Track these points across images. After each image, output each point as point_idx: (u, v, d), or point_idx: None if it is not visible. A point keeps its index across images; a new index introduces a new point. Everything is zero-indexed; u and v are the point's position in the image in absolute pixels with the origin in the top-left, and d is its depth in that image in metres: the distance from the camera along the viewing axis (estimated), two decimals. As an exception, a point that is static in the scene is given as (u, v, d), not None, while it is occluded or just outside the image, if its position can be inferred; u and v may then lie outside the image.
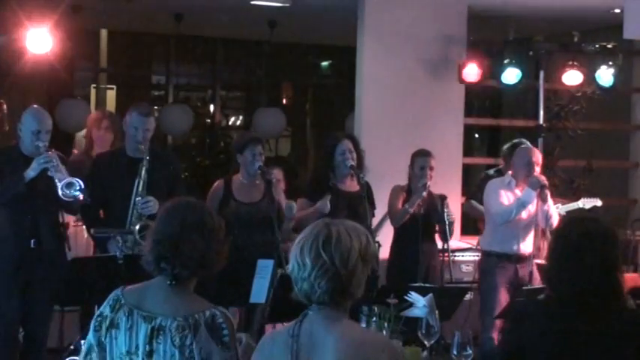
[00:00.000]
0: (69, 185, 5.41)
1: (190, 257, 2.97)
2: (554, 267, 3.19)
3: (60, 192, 5.38)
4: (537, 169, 6.56)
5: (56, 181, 5.41)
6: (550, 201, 6.57)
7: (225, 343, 2.94)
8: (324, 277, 2.71)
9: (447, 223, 6.60)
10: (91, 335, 3.04)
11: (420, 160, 6.73)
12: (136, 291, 3.05)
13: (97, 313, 3.05)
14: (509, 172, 6.75)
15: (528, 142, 7.41)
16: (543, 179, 6.51)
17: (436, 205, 6.70)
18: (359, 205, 6.29)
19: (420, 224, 6.66)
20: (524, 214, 6.49)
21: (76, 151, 8.20)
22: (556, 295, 3.14)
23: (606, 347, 3.07)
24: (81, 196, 5.43)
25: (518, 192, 6.55)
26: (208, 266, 3.03)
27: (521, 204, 6.45)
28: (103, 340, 3.01)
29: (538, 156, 6.66)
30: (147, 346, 2.94)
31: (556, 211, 6.74)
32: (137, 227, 5.66)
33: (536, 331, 3.09)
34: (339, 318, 2.76)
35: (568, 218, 3.52)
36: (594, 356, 3.07)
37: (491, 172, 7.78)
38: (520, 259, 6.53)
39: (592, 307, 3.08)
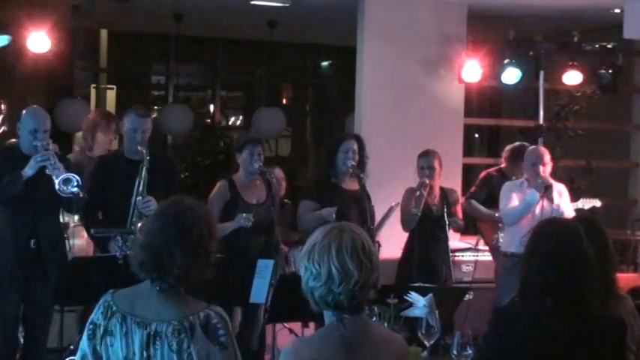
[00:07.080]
0: (66, 181, 5.38)
1: (169, 272, 2.90)
2: (529, 270, 3.16)
3: (57, 188, 5.35)
4: (547, 169, 6.69)
5: (53, 177, 5.39)
6: (558, 199, 6.63)
7: (222, 342, 2.89)
8: (367, 285, 2.70)
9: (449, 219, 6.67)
10: (85, 344, 2.97)
11: (421, 161, 6.76)
12: (126, 296, 2.98)
13: (89, 320, 2.99)
14: (525, 174, 6.82)
15: (526, 144, 7.43)
16: (547, 180, 6.62)
17: (449, 202, 6.74)
18: (363, 205, 6.30)
19: (431, 224, 6.66)
20: (536, 214, 6.53)
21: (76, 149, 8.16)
22: (534, 299, 3.12)
23: (585, 351, 3.06)
24: (80, 194, 5.42)
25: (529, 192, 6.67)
26: (188, 281, 2.94)
27: (526, 205, 6.60)
28: (98, 348, 2.95)
29: (546, 156, 6.75)
30: (144, 353, 2.89)
31: (571, 208, 6.78)
32: (138, 226, 5.65)
33: (516, 336, 3.07)
34: (370, 323, 2.85)
35: (542, 221, 3.49)
36: None
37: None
38: None
39: (570, 310, 3.06)
